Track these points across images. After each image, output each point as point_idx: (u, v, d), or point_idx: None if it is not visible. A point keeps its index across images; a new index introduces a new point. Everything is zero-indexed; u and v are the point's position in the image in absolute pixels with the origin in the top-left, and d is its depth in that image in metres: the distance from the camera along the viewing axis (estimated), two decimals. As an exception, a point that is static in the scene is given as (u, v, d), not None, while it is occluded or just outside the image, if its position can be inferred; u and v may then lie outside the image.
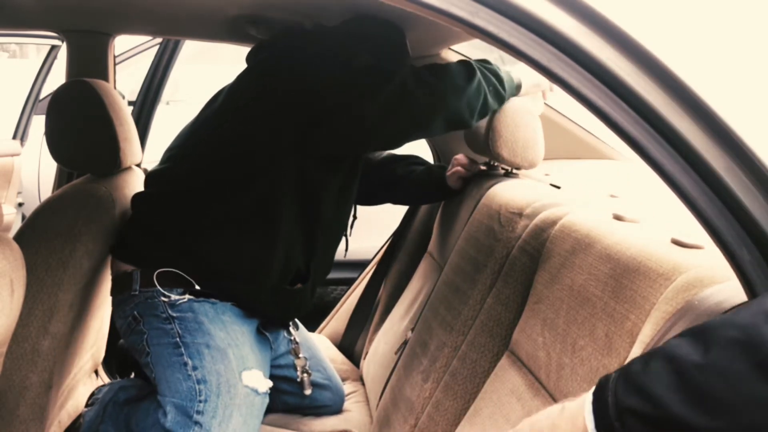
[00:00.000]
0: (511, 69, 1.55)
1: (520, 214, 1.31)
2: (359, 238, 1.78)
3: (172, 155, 1.48)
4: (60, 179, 1.93)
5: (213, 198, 1.40)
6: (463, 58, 1.90)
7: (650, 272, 0.87)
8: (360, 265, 2.28)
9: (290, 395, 1.62)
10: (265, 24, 1.59)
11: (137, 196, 1.49)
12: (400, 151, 1.68)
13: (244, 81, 1.45)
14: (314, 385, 1.63)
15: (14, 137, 3.35)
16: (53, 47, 3.21)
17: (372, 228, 2.16)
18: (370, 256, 2.26)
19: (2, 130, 3.36)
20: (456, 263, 1.46)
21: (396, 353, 1.62)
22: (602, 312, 0.93)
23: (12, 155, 3.30)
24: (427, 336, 1.44)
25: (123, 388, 1.51)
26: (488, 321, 1.26)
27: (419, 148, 1.92)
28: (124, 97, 1.83)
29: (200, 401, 1.30)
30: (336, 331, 2.19)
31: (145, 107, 2.33)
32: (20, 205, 3.44)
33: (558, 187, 1.54)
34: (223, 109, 1.43)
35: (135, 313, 1.39)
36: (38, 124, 3.22)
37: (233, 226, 1.39)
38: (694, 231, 0.78)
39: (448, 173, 1.70)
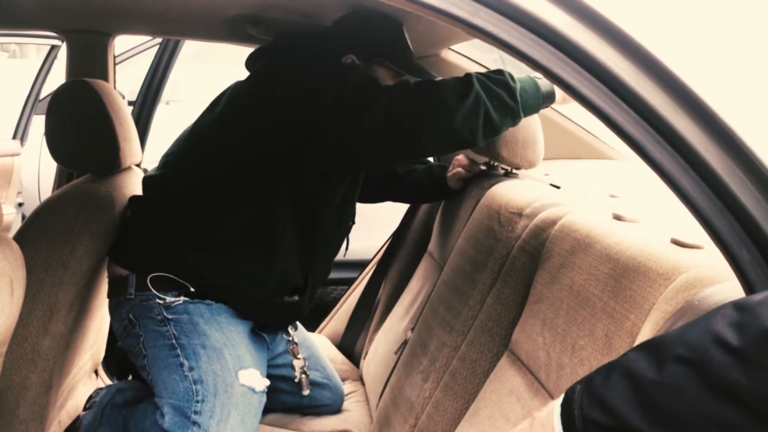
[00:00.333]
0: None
1: (520, 214, 1.31)
2: (359, 238, 1.77)
3: (169, 161, 1.48)
4: (60, 179, 1.93)
5: (209, 210, 1.39)
6: (467, 69, 1.89)
7: (650, 272, 0.87)
8: (360, 265, 2.28)
9: (288, 395, 1.62)
10: (265, 24, 1.59)
11: (134, 200, 1.49)
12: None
13: (243, 85, 1.44)
14: (313, 384, 1.63)
15: (14, 137, 3.35)
16: (53, 47, 3.21)
17: (372, 228, 2.16)
18: (370, 256, 2.26)
19: (2, 130, 3.36)
20: (456, 263, 1.46)
21: (396, 353, 1.62)
22: (602, 312, 0.93)
23: (12, 155, 3.30)
24: (427, 336, 1.44)
25: (120, 391, 1.51)
26: (488, 321, 1.26)
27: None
28: (124, 97, 1.83)
29: (197, 401, 1.30)
30: (336, 331, 2.19)
31: (145, 107, 2.33)
32: (20, 205, 3.44)
33: (558, 187, 1.54)
34: (222, 114, 1.42)
35: (131, 316, 1.39)
36: (38, 124, 3.22)
37: (229, 240, 1.38)
38: (694, 231, 0.78)
39: (449, 174, 1.70)
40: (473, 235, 1.44)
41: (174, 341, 1.35)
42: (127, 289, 1.38)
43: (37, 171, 3.45)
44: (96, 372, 1.77)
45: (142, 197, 1.48)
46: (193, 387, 1.31)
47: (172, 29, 1.92)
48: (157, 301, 1.36)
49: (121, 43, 2.60)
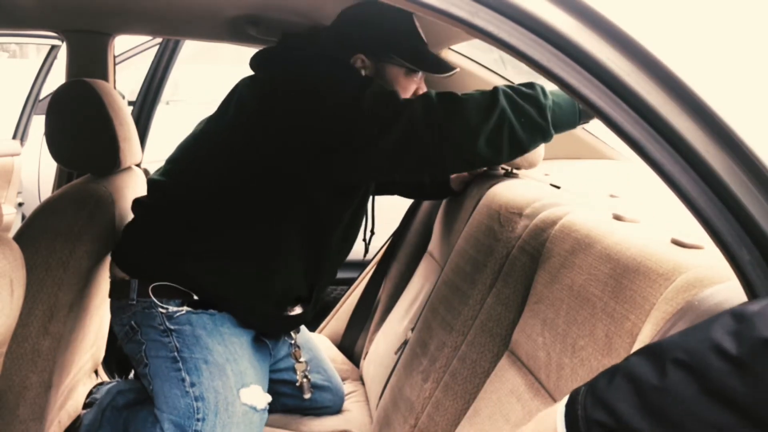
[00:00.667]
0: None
1: (520, 214, 1.31)
2: (359, 238, 1.78)
3: (174, 169, 1.43)
4: (60, 179, 1.93)
5: (215, 223, 1.36)
6: (468, 69, 1.86)
7: (650, 272, 0.87)
8: (360, 265, 2.28)
9: (289, 397, 1.61)
10: (265, 24, 1.59)
11: (138, 203, 1.46)
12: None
13: (251, 94, 1.37)
14: (314, 386, 1.62)
15: (14, 137, 3.35)
16: (53, 47, 3.21)
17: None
18: (371, 256, 2.26)
19: (2, 130, 3.36)
20: (456, 263, 1.46)
21: (396, 353, 1.62)
22: (602, 312, 0.93)
23: (12, 155, 3.30)
24: (427, 336, 1.44)
25: (121, 393, 1.50)
26: (488, 321, 1.25)
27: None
28: (124, 97, 1.83)
29: (198, 420, 1.29)
30: (336, 331, 2.19)
31: (145, 107, 2.33)
32: (20, 205, 3.44)
33: (558, 187, 1.54)
34: (230, 124, 1.36)
35: (132, 322, 1.38)
36: (38, 124, 3.22)
37: (233, 253, 1.36)
38: (694, 231, 0.78)
39: (452, 176, 1.70)
40: (473, 235, 1.44)
41: (176, 354, 1.33)
42: (129, 294, 1.37)
43: (37, 171, 3.45)
44: (96, 372, 1.77)
45: (147, 202, 1.45)
46: (194, 404, 1.30)
47: (172, 29, 1.91)
48: (160, 310, 1.34)
49: (121, 43, 2.60)
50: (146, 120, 2.32)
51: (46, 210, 1.31)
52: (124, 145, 1.47)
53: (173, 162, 1.44)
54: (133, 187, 1.56)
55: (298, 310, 1.50)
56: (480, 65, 1.90)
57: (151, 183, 1.45)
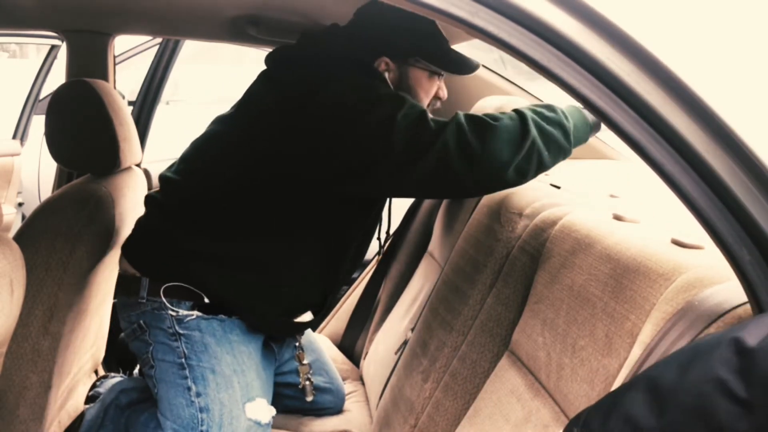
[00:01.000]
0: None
1: (520, 214, 1.31)
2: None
3: (185, 168, 1.40)
4: (60, 179, 1.93)
5: (224, 226, 1.34)
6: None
7: (650, 272, 0.87)
8: (360, 265, 2.27)
9: (291, 399, 1.61)
10: (265, 24, 1.59)
11: (150, 198, 1.44)
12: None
13: (271, 99, 1.31)
14: (316, 389, 1.62)
15: (14, 137, 3.35)
16: (53, 47, 3.21)
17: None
18: (371, 256, 2.26)
19: (2, 130, 3.36)
20: (456, 263, 1.46)
21: (396, 353, 1.62)
22: (602, 312, 0.93)
23: (12, 155, 3.30)
24: (427, 336, 1.44)
25: (124, 391, 1.49)
26: (488, 321, 1.25)
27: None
28: (124, 97, 1.83)
29: (202, 431, 1.29)
30: (336, 331, 2.18)
31: (145, 107, 2.33)
32: (20, 205, 3.44)
33: (558, 187, 1.54)
34: (249, 132, 1.32)
35: (141, 321, 1.37)
36: (38, 124, 3.22)
37: (242, 259, 1.34)
38: (694, 231, 0.78)
39: None
40: (473, 235, 1.43)
41: (183, 360, 1.32)
42: (138, 292, 1.36)
43: (37, 171, 3.45)
44: (96, 372, 1.77)
45: (159, 199, 1.42)
46: (199, 415, 1.29)
47: (172, 29, 1.92)
48: (170, 312, 1.33)
49: (121, 43, 2.60)
50: (146, 120, 2.32)
51: (46, 210, 1.31)
52: (124, 145, 1.47)
53: (185, 161, 1.42)
54: (133, 187, 1.56)
55: (308, 317, 1.50)
56: (483, 66, 1.90)
57: (163, 179, 1.43)
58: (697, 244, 0.90)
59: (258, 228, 1.33)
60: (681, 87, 0.64)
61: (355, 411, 1.71)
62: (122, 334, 1.56)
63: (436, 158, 1.17)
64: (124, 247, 1.42)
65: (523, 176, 1.22)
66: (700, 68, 0.65)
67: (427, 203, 2.04)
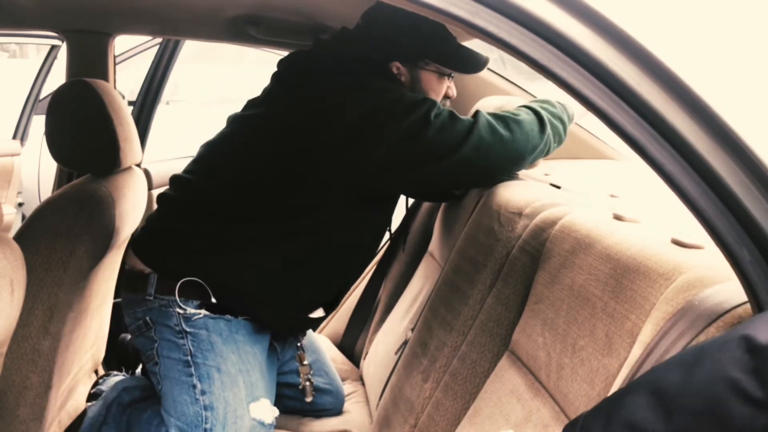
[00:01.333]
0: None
1: (520, 214, 1.31)
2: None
3: (197, 168, 1.42)
4: (60, 179, 1.93)
5: (242, 217, 1.34)
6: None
7: (650, 272, 0.87)
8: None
9: (291, 399, 1.61)
10: (265, 24, 1.59)
11: (163, 196, 1.45)
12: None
13: (291, 102, 1.33)
14: (316, 389, 1.62)
15: (14, 137, 3.35)
16: (53, 47, 3.21)
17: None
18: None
19: (2, 130, 3.37)
20: (456, 263, 1.46)
21: (396, 353, 1.62)
22: (602, 312, 0.93)
23: (12, 155, 3.30)
24: (427, 336, 1.44)
25: (126, 389, 1.49)
26: (488, 321, 1.25)
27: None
28: (124, 97, 1.83)
29: (205, 429, 1.29)
30: (336, 331, 2.18)
31: (145, 107, 2.33)
32: (20, 205, 3.44)
33: (558, 187, 1.54)
34: (264, 120, 1.34)
35: (147, 318, 1.37)
36: (38, 124, 3.22)
37: (263, 257, 1.34)
38: (694, 231, 0.78)
39: None
40: (473, 235, 1.43)
41: (189, 358, 1.33)
42: (146, 288, 1.36)
43: (37, 171, 3.46)
44: (96, 372, 1.77)
45: (173, 195, 1.43)
46: (203, 413, 1.30)
47: (172, 29, 1.92)
48: (178, 310, 1.33)
49: (121, 43, 2.60)
50: (146, 120, 2.32)
51: (46, 210, 1.31)
52: (124, 145, 1.47)
53: (199, 161, 1.44)
54: (133, 187, 1.56)
55: (319, 314, 1.50)
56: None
57: (177, 180, 1.44)
58: (697, 244, 0.90)
59: (278, 224, 1.34)
60: (681, 87, 0.64)
61: (355, 411, 1.71)
62: (122, 334, 1.56)
63: (472, 148, 1.25)
64: (133, 244, 1.42)
65: (531, 163, 1.40)
66: (700, 68, 0.65)
67: (427, 203, 2.04)
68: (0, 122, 3.39)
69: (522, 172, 1.66)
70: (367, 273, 2.20)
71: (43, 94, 3.32)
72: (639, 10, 0.66)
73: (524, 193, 1.39)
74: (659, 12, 0.69)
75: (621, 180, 1.79)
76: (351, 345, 2.09)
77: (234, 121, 1.44)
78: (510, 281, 1.24)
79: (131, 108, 2.30)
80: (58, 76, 3.05)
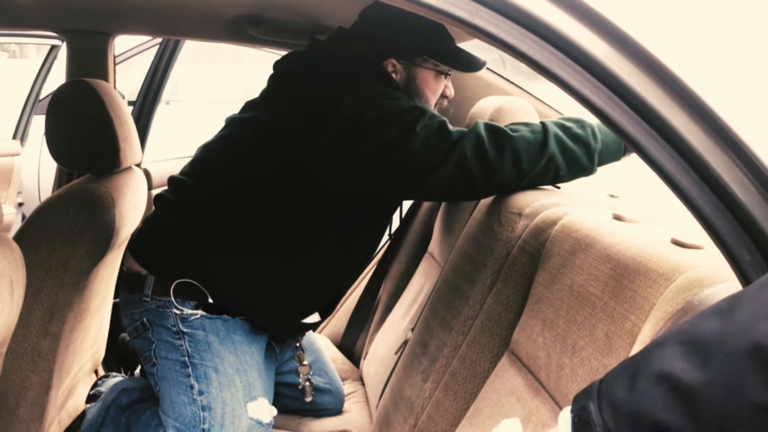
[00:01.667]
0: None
1: (520, 214, 1.31)
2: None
3: (194, 170, 1.42)
4: (60, 179, 1.93)
5: (238, 221, 1.34)
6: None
7: (650, 272, 0.87)
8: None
9: (291, 399, 1.61)
10: (265, 24, 1.59)
11: (160, 197, 1.45)
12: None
13: (287, 105, 1.33)
14: (316, 389, 1.62)
15: (14, 137, 3.35)
16: (53, 47, 3.21)
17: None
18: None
19: (2, 130, 3.37)
20: (456, 263, 1.46)
21: (396, 353, 1.62)
22: (602, 312, 0.93)
23: (12, 155, 3.31)
24: (427, 336, 1.44)
25: (125, 391, 1.49)
26: (488, 321, 1.25)
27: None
28: (124, 97, 1.83)
29: (203, 430, 1.29)
30: (336, 331, 2.18)
31: (145, 107, 2.33)
32: (20, 205, 3.44)
33: (558, 187, 1.54)
34: (261, 121, 1.34)
35: (144, 319, 1.37)
36: (38, 124, 3.22)
37: (257, 256, 1.34)
38: (695, 231, 0.78)
39: None
40: (473, 234, 1.43)
41: (186, 358, 1.33)
42: (143, 290, 1.36)
43: (37, 171, 3.46)
44: (96, 372, 1.77)
45: (170, 198, 1.43)
46: (201, 413, 1.30)
47: (172, 29, 1.92)
48: (174, 311, 1.34)
49: (121, 43, 2.60)
50: (146, 120, 2.32)
51: (46, 210, 1.31)
52: (124, 145, 1.47)
53: (196, 163, 1.44)
54: (133, 187, 1.56)
55: (315, 318, 1.50)
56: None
57: (175, 181, 1.44)
58: (697, 244, 0.90)
59: (275, 227, 1.33)
60: (681, 87, 0.64)
61: (355, 411, 1.71)
62: (122, 334, 1.56)
63: (453, 169, 1.20)
64: (130, 245, 1.42)
65: (534, 186, 1.30)
66: (700, 68, 0.65)
67: (427, 203, 2.04)
68: (0, 122, 3.39)
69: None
70: (367, 273, 2.20)
71: (43, 94, 3.32)
72: (638, 10, 0.66)
73: (524, 193, 1.39)
74: (659, 12, 0.69)
75: (621, 180, 1.78)
76: (351, 345, 2.09)
77: (231, 122, 1.43)
78: (510, 281, 1.24)
79: (131, 108, 2.30)
80: (58, 76, 3.05)
